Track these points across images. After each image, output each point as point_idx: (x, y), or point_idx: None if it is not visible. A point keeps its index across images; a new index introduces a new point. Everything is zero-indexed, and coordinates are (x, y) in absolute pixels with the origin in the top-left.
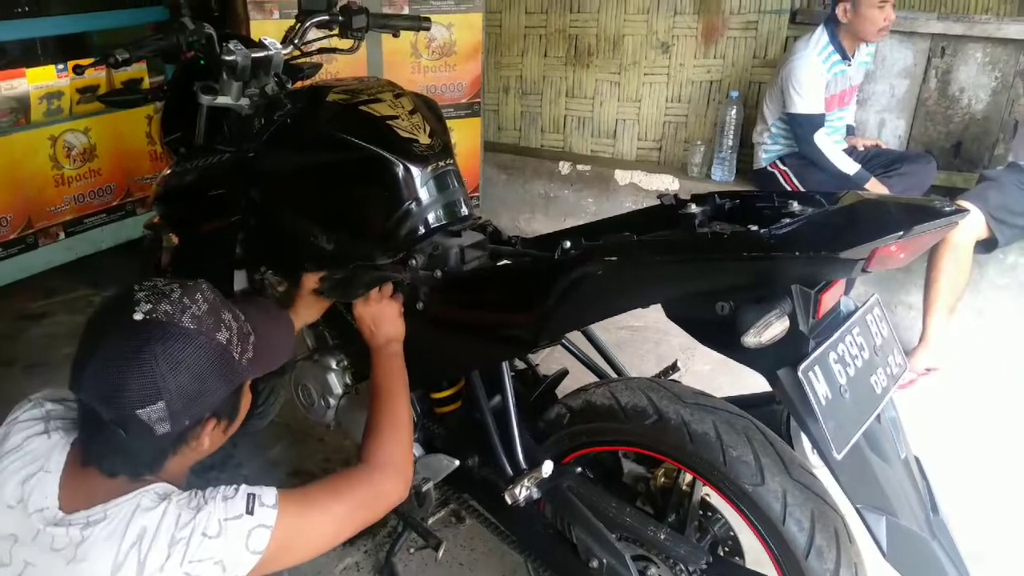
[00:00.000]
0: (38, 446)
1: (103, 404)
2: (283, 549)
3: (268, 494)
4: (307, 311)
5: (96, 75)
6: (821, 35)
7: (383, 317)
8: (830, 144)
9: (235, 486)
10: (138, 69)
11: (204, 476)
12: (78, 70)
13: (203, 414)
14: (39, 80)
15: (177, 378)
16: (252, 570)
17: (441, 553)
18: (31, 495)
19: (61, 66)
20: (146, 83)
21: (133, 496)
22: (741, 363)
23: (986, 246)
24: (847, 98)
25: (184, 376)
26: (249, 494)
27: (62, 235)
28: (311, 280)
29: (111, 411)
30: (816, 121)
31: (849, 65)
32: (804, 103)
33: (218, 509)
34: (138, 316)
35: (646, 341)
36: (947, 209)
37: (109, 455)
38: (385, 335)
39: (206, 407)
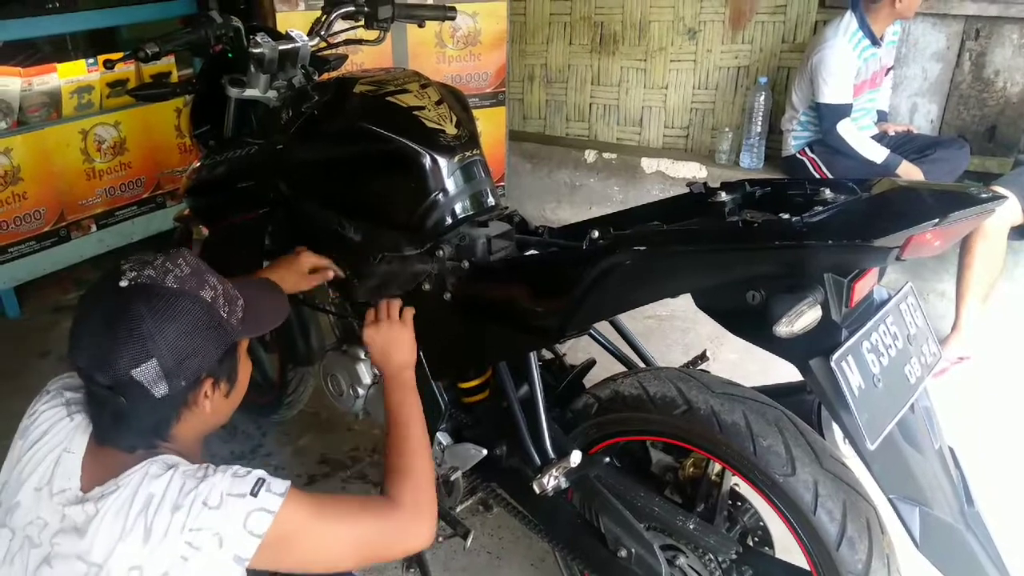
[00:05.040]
0: (61, 429)
1: (100, 371)
2: (284, 543)
3: (279, 484)
4: (288, 278)
5: (126, 69)
6: (850, 21)
7: (395, 343)
8: (855, 132)
9: (250, 469)
10: (167, 63)
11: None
12: (108, 65)
13: (198, 373)
14: (70, 75)
15: (165, 335)
16: (255, 556)
17: (469, 542)
18: (54, 477)
19: (91, 61)
20: (174, 76)
21: (142, 466)
22: (772, 353)
23: (1021, 232)
24: (878, 79)
25: (171, 333)
26: (260, 478)
27: (94, 228)
28: (306, 257)
29: (108, 376)
30: (840, 111)
31: (879, 48)
32: (831, 92)
33: (223, 482)
34: (123, 283)
35: (674, 330)
36: (983, 196)
37: (118, 428)
38: (398, 363)
39: (200, 365)
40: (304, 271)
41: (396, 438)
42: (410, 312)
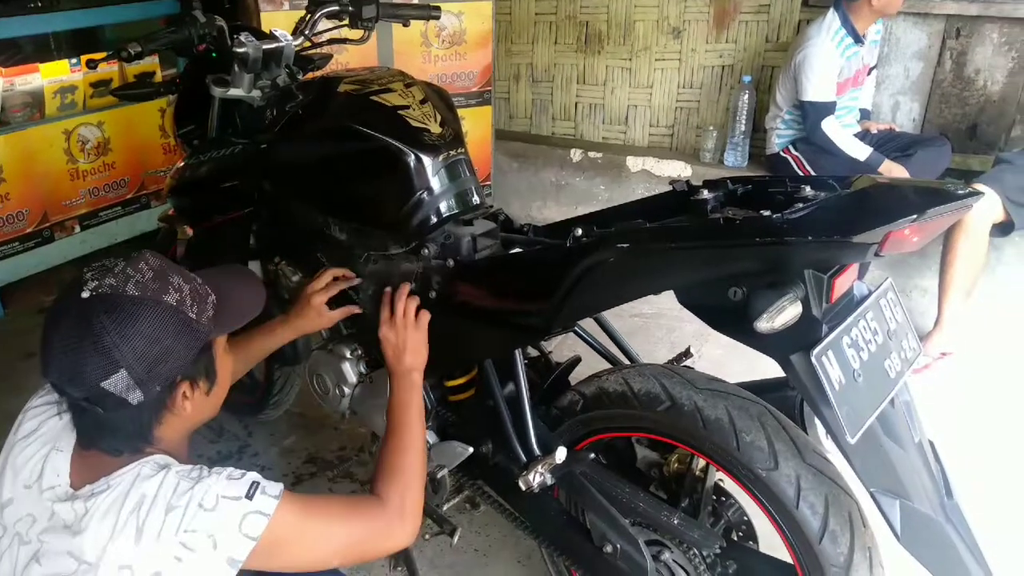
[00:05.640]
0: (51, 427)
1: (70, 385)
2: (277, 545)
3: (273, 486)
4: (306, 321)
5: (109, 69)
6: (833, 19)
7: (408, 345)
8: (839, 130)
9: (244, 471)
10: (150, 62)
11: (221, 465)
12: (91, 65)
13: (172, 377)
14: (53, 75)
15: (131, 344)
16: (249, 558)
17: (456, 539)
18: (44, 474)
19: (74, 61)
20: (158, 76)
21: (134, 466)
22: (754, 349)
23: (1002, 229)
24: (861, 78)
25: (137, 341)
26: (254, 482)
27: (77, 228)
28: (318, 297)
29: (79, 390)
30: (823, 109)
31: (862, 46)
32: (815, 91)
33: (218, 484)
34: (85, 294)
35: (659, 328)
36: (960, 192)
37: (100, 435)
38: (408, 364)
39: (172, 370)
40: (320, 310)
41: (394, 437)
42: (426, 315)
